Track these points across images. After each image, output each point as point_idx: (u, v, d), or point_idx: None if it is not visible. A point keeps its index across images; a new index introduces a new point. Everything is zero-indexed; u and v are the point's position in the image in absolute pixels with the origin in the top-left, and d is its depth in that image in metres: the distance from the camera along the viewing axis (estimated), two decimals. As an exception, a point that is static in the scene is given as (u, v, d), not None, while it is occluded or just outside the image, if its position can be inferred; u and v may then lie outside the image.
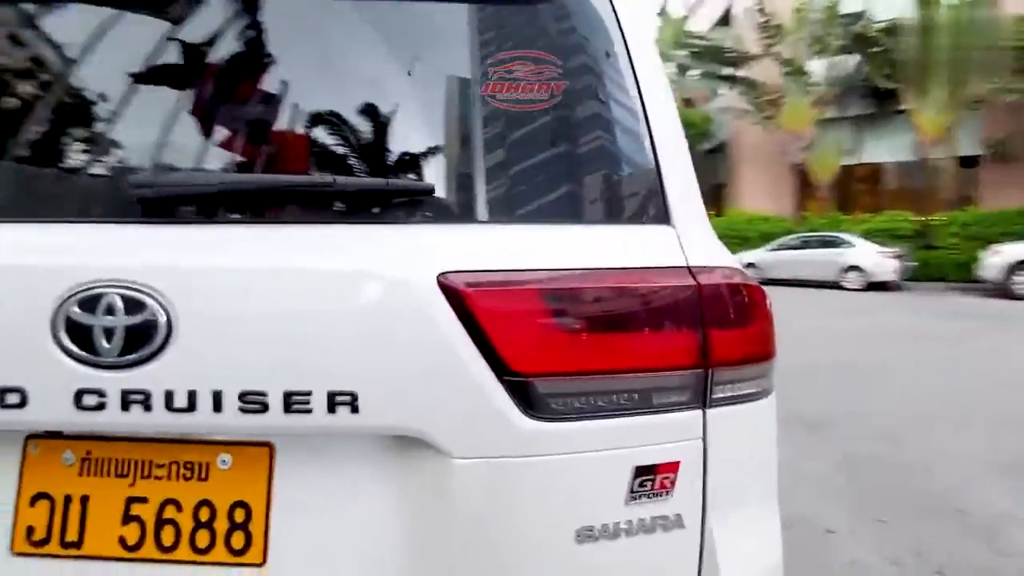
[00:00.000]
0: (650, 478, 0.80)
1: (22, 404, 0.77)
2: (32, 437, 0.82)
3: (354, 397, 0.75)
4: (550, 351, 0.78)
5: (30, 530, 0.81)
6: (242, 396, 0.75)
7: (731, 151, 23.26)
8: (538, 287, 0.79)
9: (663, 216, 0.88)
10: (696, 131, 23.45)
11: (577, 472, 0.78)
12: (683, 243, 0.87)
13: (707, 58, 21.50)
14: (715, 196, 25.74)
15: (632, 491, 0.80)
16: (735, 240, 19.74)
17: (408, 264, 0.77)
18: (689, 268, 0.85)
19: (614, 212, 0.88)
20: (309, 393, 0.75)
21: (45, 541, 0.80)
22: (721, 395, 0.85)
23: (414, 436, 0.76)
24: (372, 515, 0.79)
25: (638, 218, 0.88)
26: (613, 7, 0.95)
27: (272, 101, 0.89)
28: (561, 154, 0.89)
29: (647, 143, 0.91)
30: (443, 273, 0.77)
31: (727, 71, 20.96)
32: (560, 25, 0.93)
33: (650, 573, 0.82)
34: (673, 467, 0.81)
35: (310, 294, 0.77)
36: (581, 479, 0.78)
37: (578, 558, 0.78)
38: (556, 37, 0.92)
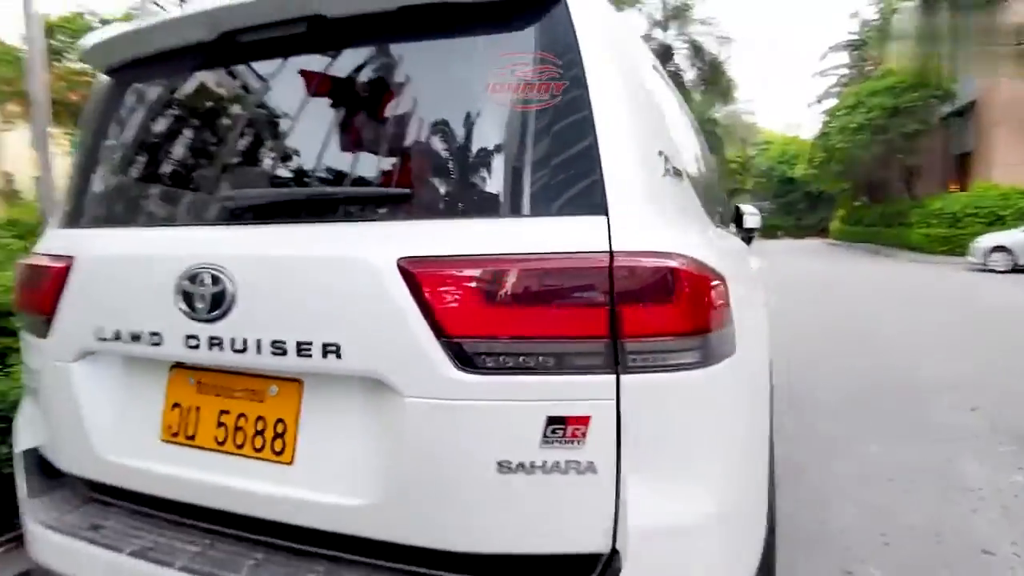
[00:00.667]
0: (561, 427, 0.97)
1: (160, 344, 1.20)
2: (173, 366, 1.26)
3: (338, 347, 1.04)
4: (476, 319, 0.99)
5: (168, 427, 1.24)
6: (273, 343, 1.09)
7: (980, 113, 19.50)
8: (468, 269, 1.00)
9: (600, 209, 1.02)
10: (930, 93, 20.05)
11: (497, 416, 0.98)
12: (612, 232, 1.00)
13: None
14: (960, 167, 21.78)
15: (545, 436, 0.97)
16: (982, 219, 16.61)
17: (378, 251, 1.04)
18: (611, 253, 0.99)
19: (552, 207, 1.04)
20: (310, 343, 1.06)
21: (176, 434, 1.24)
22: (637, 363, 0.98)
23: (377, 379, 1.03)
24: (358, 433, 1.08)
25: (573, 211, 1.03)
26: (573, 28, 1.09)
27: (298, 150, 1.24)
28: (508, 161, 1.08)
29: (593, 150, 1.04)
30: (402, 258, 1.02)
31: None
32: (512, 50, 1.11)
33: (563, 506, 0.99)
34: (584, 420, 0.97)
35: (312, 273, 1.08)
36: (501, 422, 0.98)
37: (499, 485, 0.99)
38: (507, 62, 1.10)
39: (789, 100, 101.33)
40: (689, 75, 29.41)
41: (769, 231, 45.31)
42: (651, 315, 0.98)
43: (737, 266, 1.45)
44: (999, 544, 2.48)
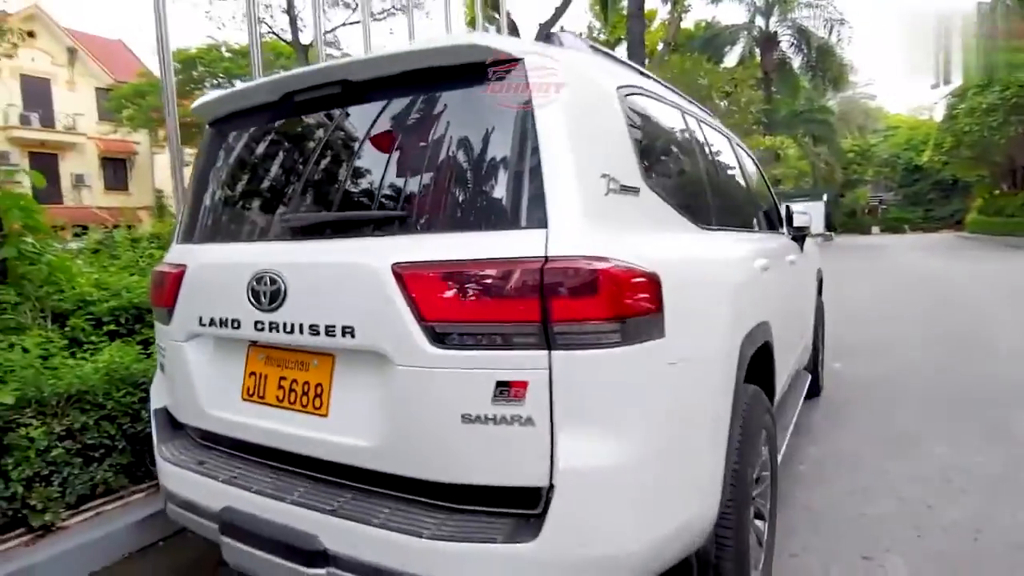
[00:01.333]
0: (506, 389, 1.28)
1: (239, 327, 1.64)
2: (250, 345, 1.70)
3: (353, 329, 1.42)
4: (445, 308, 1.32)
5: (247, 389, 1.69)
6: (311, 327, 1.49)
7: None
8: (440, 271, 1.34)
9: (542, 224, 1.33)
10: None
11: (460, 380, 1.32)
12: (549, 242, 1.30)
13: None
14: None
15: (495, 396, 1.29)
16: None
17: (379, 258, 1.40)
18: (546, 258, 1.29)
19: (507, 223, 1.36)
20: (335, 326, 1.45)
21: (252, 394, 1.68)
22: (565, 342, 1.27)
23: (380, 352, 1.40)
24: (368, 393, 1.45)
25: (521, 226, 1.34)
26: (528, 85, 1.40)
27: (328, 183, 1.65)
28: (476, 189, 1.41)
29: (539, 180, 1.35)
30: (394, 263, 1.38)
31: None
32: (480, 103, 1.44)
33: (510, 449, 1.30)
34: (523, 385, 1.28)
35: (335, 274, 1.47)
36: (463, 384, 1.31)
37: (463, 432, 1.32)
38: (476, 112, 1.43)
39: (918, 81, 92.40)
40: (796, 62, 27.89)
41: (894, 224, 41.71)
42: (575, 305, 1.27)
43: (692, 266, 1.66)
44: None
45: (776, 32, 27.21)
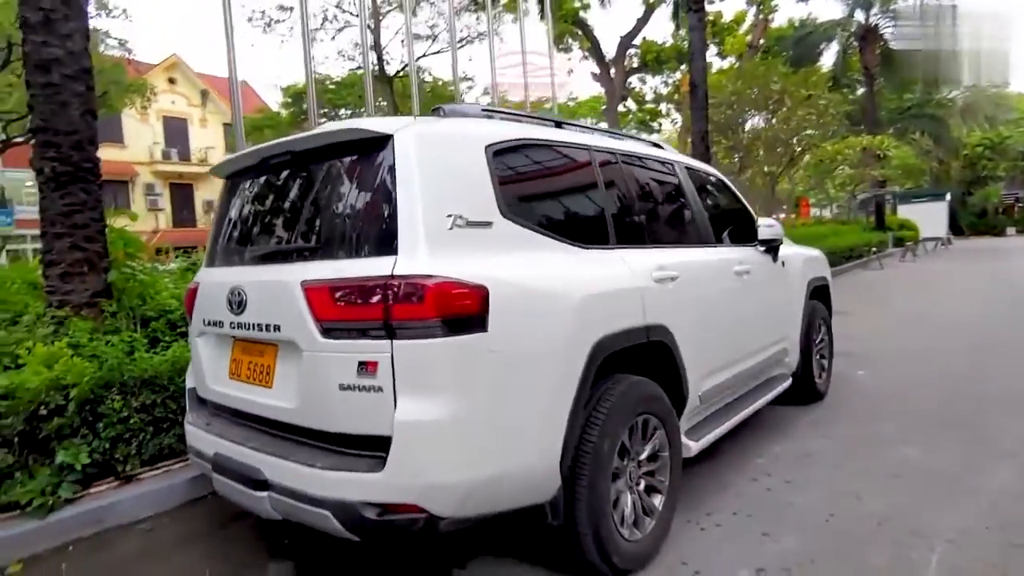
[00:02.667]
0: (364, 367, 1.86)
1: (223, 327, 2.34)
2: (234, 339, 2.40)
3: (280, 326, 2.07)
4: (328, 311, 1.93)
5: (231, 370, 2.39)
6: (260, 325, 2.15)
7: None
8: (327, 285, 1.94)
9: (393, 252, 1.90)
10: None
11: (338, 360, 1.91)
12: (396, 266, 1.87)
13: None
14: None
15: (358, 371, 1.87)
16: None
17: (295, 277, 2.03)
18: (392, 276, 1.86)
19: (371, 252, 1.94)
20: (271, 324, 2.10)
21: (233, 374, 2.37)
22: (402, 334, 1.83)
23: (295, 342, 2.02)
24: (293, 370, 2.08)
25: (380, 253, 1.92)
26: (394, 153, 1.99)
27: (276, 224, 2.32)
28: (355, 228, 2.01)
29: (394, 222, 1.93)
30: (303, 281, 2.01)
31: None
32: (365, 166, 2.04)
33: (368, 409, 1.87)
34: (375, 364, 1.85)
35: (272, 289, 2.12)
36: (339, 363, 1.91)
37: (340, 396, 1.91)
38: (362, 172, 2.03)
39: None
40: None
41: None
42: (408, 309, 1.83)
43: (528, 280, 2.10)
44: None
45: (877, 25, 25.58)
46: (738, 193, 4.02)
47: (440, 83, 28.57)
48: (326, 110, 28.76)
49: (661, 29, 30.98)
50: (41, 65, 3.55)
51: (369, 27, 22.11)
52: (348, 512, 1.88)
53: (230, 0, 4.78)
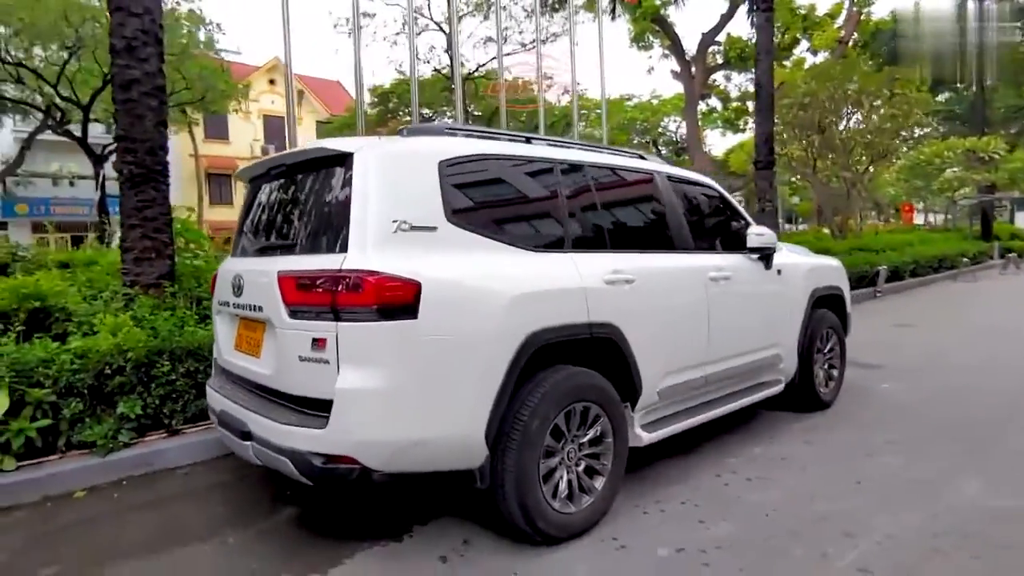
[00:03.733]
0: (317, 342, 2.29)
1: (229, 307, 2.86)
2: (240, 317, 2.91)
3: (262, 308, 2.54)
4: (295, 296, 2.37)
5: (236, 343, 2.90)
6: (251, 306, 2.64)
7: None
8: (294, 276, 2.39)
9: (344, 250, 2.32)
10: None
11: (299, 336, 2.35)
12: (345, 261, 2.28)
13: None
14: None
15: (312, 346, 2.31)
16: None
17: (274, 268, 2.49)
18: (340, 270, 2.27)
19: (326, 248, 2.36)
20: (256, 306, 2.58)
21: (238, 346, 2.88)
22: (347, 317, 2.24)
23: (272, 321, 2.49)
24: (273, 344, 2.55)
25: (334, 251, 2.34)
26: (352, 167, 2.41)
27: (271, 224, 2.78)
28: (319, 229, 2.44)
29: (346, 225, 2.34)
30: (278, 271, 2.46)
31: None
32: (331, 178, 2.47)
33: (320, 377, 2.29)
34: (324, 341, 2.28)
35: (259, 277, 2.60)
36: (299, 339, 2.35)
37: (301, 366, 2.35)
38: (328, 183, 2.46)
39: None
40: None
41: None
42: (350, 297, 2.24)
43: (462, 278, 2.43)
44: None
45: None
46: (732, 202, 4.15)
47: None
48: (409, 108, 30.15)
49: (746, 24, 29.82)
50: (123, 84, 4.27)
51: (443, 31, 22.97)
52: (301, 460, 2.32)
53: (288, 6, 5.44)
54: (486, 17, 22.99)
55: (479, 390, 2.43)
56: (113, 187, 4.75)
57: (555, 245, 2.89)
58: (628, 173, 3.46)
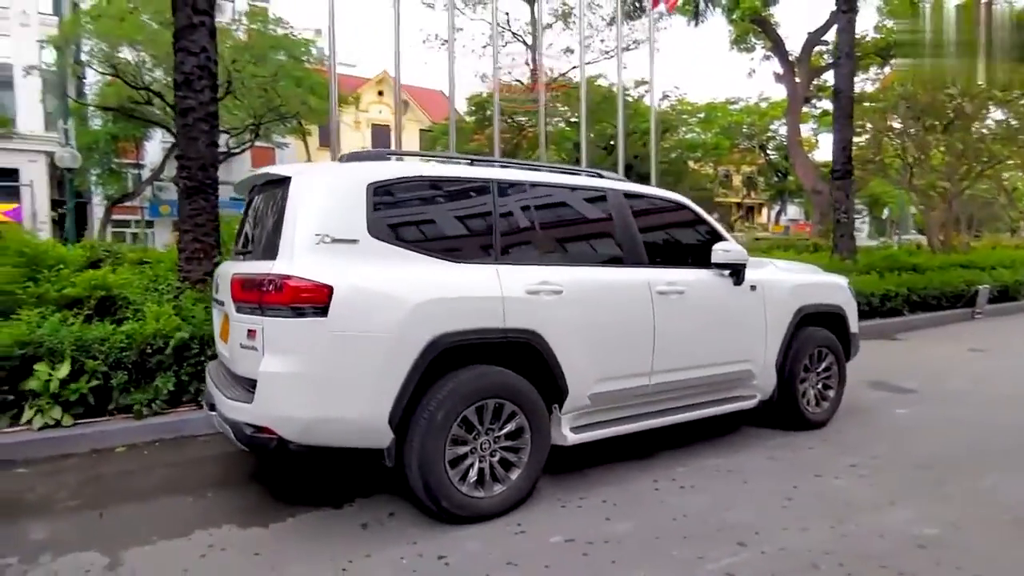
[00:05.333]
0: (250, 333, 2.80)
1: (215, 302, 3.47)
2: (222, 311, 3.51)
3: (223, 303, 3.10)
4: (239, 294, 2.90)
5: (219, 332, 3.50)
6: (219, 302, 3.21)
7: None
8: (239, 278, 2.91)
9: (273, 257, 2.81)
10: None
11: (241, 327, 2.87)
12: (274, 267, 2.77)
13: None
14: None
15: (246, 335, 2.82)
16: None
17: (232, 270, 3.04)
18: (267, 274, 2.76)
19: (266, 256, 2.85)
20: (222, 301, 3.15)
21: (220, 335, 3.48)
22: (270, 313, 2.73)
23: (229, 314, 3.04)
24: (230, 333, 3.10)
25: (269, 258, 2.82)
26: (289, 186, 2.90)
27: (252, 232, 3.35)
28: (266, 240, 2.95)
29: (279, 237, 2.83)
30: (233, 273, 3.01)
31: None
32: (279, 196, 2.98)
33: (251, 360, 2.79)
34: (255, 332, 2.78)
35: (224, 278, 3.16)
36: (241, 329, 2.87)
37: (241, 351, 2.87)
38: (276, 198, 2.97)
39: None
40: None
41: None
42: (272, 296, 2.72)
43: (372, 284, 2.82)
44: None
45: None
46: (704, 219, 4.23)
47: (612, 87, 29.18)
48: (505, 117, 31.10)
49: (859, 21, 27.68)
50: (182, 111, 5.11)
51: (525, 43, 23.55)
52: (237, 428, 2.84)
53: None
54: (567, 26, 23.34)
55: (382, 381, 2.82)
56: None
57: (482, 257, 3.22)
58: (575, 191, 3.71)
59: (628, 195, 3.90)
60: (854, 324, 4.91)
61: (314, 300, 2.72)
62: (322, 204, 2.92)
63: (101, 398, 4.31)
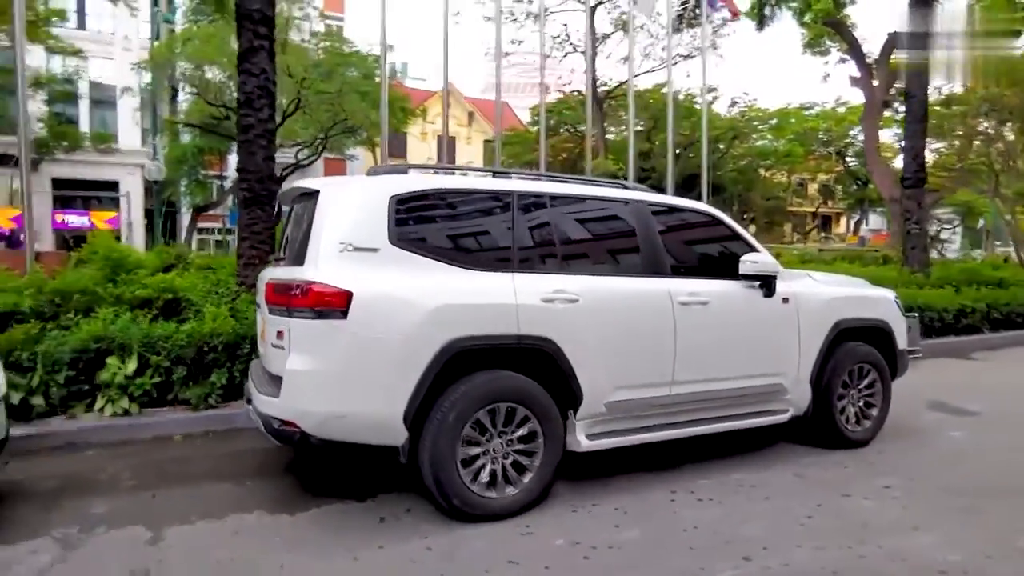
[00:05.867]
0: (279, 334, 3.04)
1: (257, 304, 3.76)
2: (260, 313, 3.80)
3: (260, 305, 3.37)
4: (271, 298, 3.14)
5: (260, 332, 3.78)
6: (258, 305, 3.49)
7: None
8: (271, 282, 3.16)
9: (303, 265, 3.04)
10: None
11: (272, 328, 3.11)
12: (304, 273, 3.00)
13: None
14: None
15: (277, 336, 3.06)
16: None
17: (267, 275, 3.30)
18: (295, 280, 3.00)
19: (296, 263, 3.08)
20: (259, 304, 3.41)
21: (260, 335, 3.76)
22: (296, 315, 2.96)
23: (264, 316, 3.30)
24: (265, 333, 3.36)
25: (299, 265, 3.05)
26: (318, 199, 3.13)
27: (285, 238, 3.62)
28: (298, 249, 3.20)
29: (307, 245, 3.07)
30: (268, 279, 3.27)
31: None
32: (311, 206, 3.22)
33: (280, 359, 3.02)
34: (283, 332, 3.01)
35: (261, 283, 3.43)
36: (272, 330, 3.11)
37: (273, 351, 3.12)
38: (311, 213, 3.22)
39: None
40: None
41: None
42: (299, 300, 2.94)
43: (390, 290, 3.00)
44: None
45: None
46: (734, 229, 4.18)
47: (685, 95, 28.92)
48: (569, 125, 31.24)
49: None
50: (243, 128, 5.53)
51: (583, 53, 23.59)
52: (267, 422, 3.08)
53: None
54: (626, 35, 23.26)
55: (397, 380, 2.99)
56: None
57: (500, 266, 3.34)
58: (597, 202, 3.77)
59: (651, 206, 3.92)
60: (902, 340, 4.70)
61: (335, 304, 2.92)
62: (347, 215, 3.14)
63: (163, 390, 4.72)
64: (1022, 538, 3.05)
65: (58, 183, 26.29)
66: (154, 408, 4.70)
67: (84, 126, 24.05)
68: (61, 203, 27.10)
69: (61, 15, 17.58)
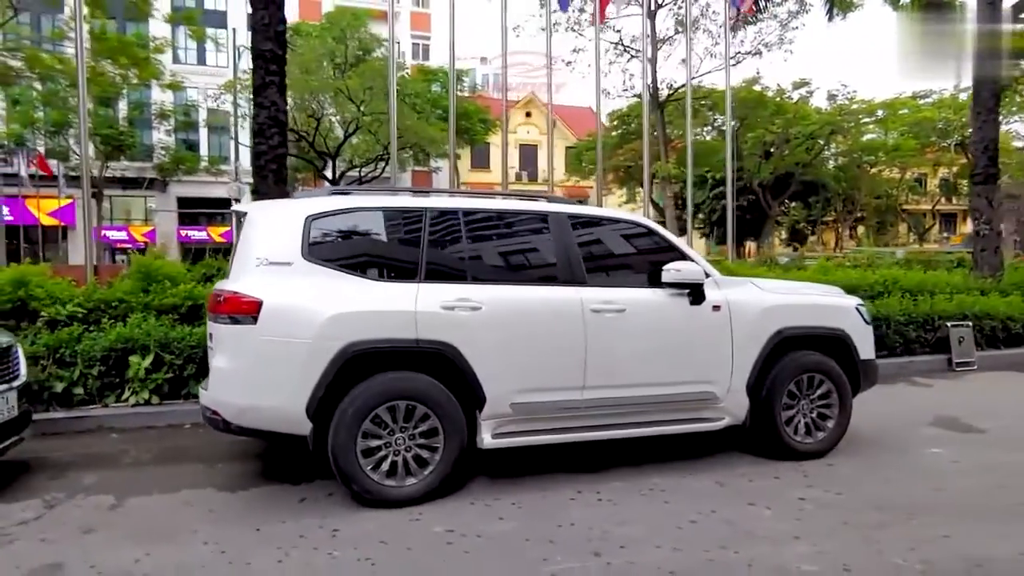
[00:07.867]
0: (210, 335, 3.59)
1: None
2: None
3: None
4: (210, 305, 3.69)
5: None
6: None
7: None
8: (212, 293, 3.71)
9: (229, 276, 3.56)
10: None
11: (208, 331, 3.67)
12: (227, 284, 3.52)
13: None
14: None
15: (209, 338, 3.61)
16: None
17: (225, 286, 3.87)
18: (220, 290, 3.52)
19: (229, 276, 3.61)
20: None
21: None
22: (217, 320, 3.49)
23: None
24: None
25: (228, 278, 3.58)
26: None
27: None
28: (232, 267, 3.72)
29: (237, 262, 3.59)
30: (214, 288, 3.83)
31: None
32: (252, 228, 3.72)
33: (211, 357, 3.56)
34: (212, 335, 3.56)
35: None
36: (208, 332, 3.66)
37: (210, 352, 3.67)
38: (242, 230, 3.72)
39: None
40: None
41: None
42: (219, 307, 3.46)
43: (294, 298, 3.42)
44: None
45: None
46: (665, 239, 4.24)
47: (768, 91, 27.74)
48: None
49: None
50: (256, 155, 6.27)
51: (648, 59, 23.27)
52: (202, 410, 3.63)
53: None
54: (681, 32, 22.83)
55: (300, 378, 3.41)
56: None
57: (406, 276, 3.69)
58: (512, 217, 4.02)
59: (572, 218, 4.10)
60: (865, 350, 4.50)
61: (247, 311, 3.41)
62: (266, 233, 3.63)
63: (179, 384, 5.49)
64: (904, 556, 2.95)
65: (182, 202, 29.70)
66: (172, 400, 5.48)
67: (203, 150, 27.32)
68: (190, 220, 30.55)
69: (159, 49, 19.68)
